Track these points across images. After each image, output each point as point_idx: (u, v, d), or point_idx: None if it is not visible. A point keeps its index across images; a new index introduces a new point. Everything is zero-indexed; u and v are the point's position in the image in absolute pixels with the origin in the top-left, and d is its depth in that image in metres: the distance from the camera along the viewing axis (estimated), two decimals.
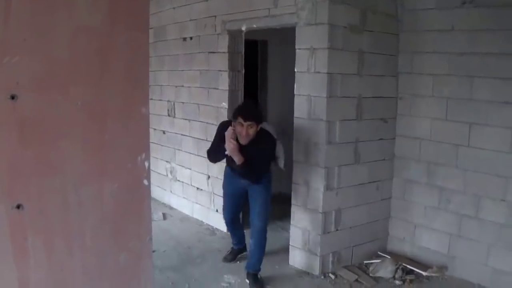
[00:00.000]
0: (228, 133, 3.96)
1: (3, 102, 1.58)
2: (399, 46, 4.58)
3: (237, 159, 3.97)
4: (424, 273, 4.33)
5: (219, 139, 4.15)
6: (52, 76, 1.71)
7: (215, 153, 4.27)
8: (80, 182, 1.85)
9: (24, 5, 1.61)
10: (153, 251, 4.42)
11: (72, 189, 1.83)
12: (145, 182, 2.08)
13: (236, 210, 4.62)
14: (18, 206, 1.66)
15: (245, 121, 3.90)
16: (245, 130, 3.91)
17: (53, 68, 1.71)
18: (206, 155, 4.42)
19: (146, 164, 2.06)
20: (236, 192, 4.46)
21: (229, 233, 4.92)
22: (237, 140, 3.96)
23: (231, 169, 4.30)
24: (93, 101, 1.85)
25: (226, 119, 4.95)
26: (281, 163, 4.29)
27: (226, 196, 4.60)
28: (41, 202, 1.74)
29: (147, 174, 2.07)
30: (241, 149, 3.97)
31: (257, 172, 4.10)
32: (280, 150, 4.24)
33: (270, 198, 4.31)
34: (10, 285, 1.71)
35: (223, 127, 4.16)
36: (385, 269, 4.37)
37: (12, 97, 1.59)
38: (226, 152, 4.03)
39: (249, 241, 4.38)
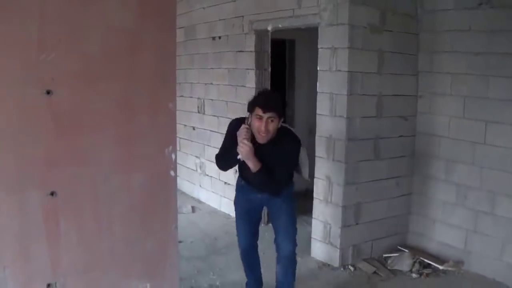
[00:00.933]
0: (241, 132, 3.15)
1: (40, 97, 1.76)
2: (419, 46, 4.65)
3: (253, 165, 3.15)
4: (440, 267, 4.42)
5: (230, 141, 3.31)
6: (85, 72, 1.87)
7: (226, 158, 3.42)
8: (110, 173, 2.01)
9: (59, 6, 1.77)
10: (181, 242, 4.41)
11: (102, 179, 1.99)
12: (172, 173, 2.23)
13: (254, 234, 3.66)
14: (52, 193, 1.83)
15: (264, 112, 3.06)
16: (264, 125, 3.07)
17: (86, 65, 1.87)
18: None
19: (173, 156, 2.21)
20: (252, 210, 3.60)
21: (243, 269, 3.85)
22: (252, 140, 3.14)
23: (245, 180, 3.47)
24: (123, 97, 2.01)
25: None
26: (305, 172, 3.47)
27: (240, 217, 3.62)
28: (73, 190, 1.90)
29: (174, 165, 2.22)
30: (257, 152, 3.14)
31: (278, 181, 3.26)
32: (304, 157, 3.41)
33: (295, 212, 3.54)
34: (43, 264, 1.87)
35: (235, 125, 3.30)
36: (402, 263, 4.47)
37: (48, 92, 1.77)
38: (239, 157, 3.18)
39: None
